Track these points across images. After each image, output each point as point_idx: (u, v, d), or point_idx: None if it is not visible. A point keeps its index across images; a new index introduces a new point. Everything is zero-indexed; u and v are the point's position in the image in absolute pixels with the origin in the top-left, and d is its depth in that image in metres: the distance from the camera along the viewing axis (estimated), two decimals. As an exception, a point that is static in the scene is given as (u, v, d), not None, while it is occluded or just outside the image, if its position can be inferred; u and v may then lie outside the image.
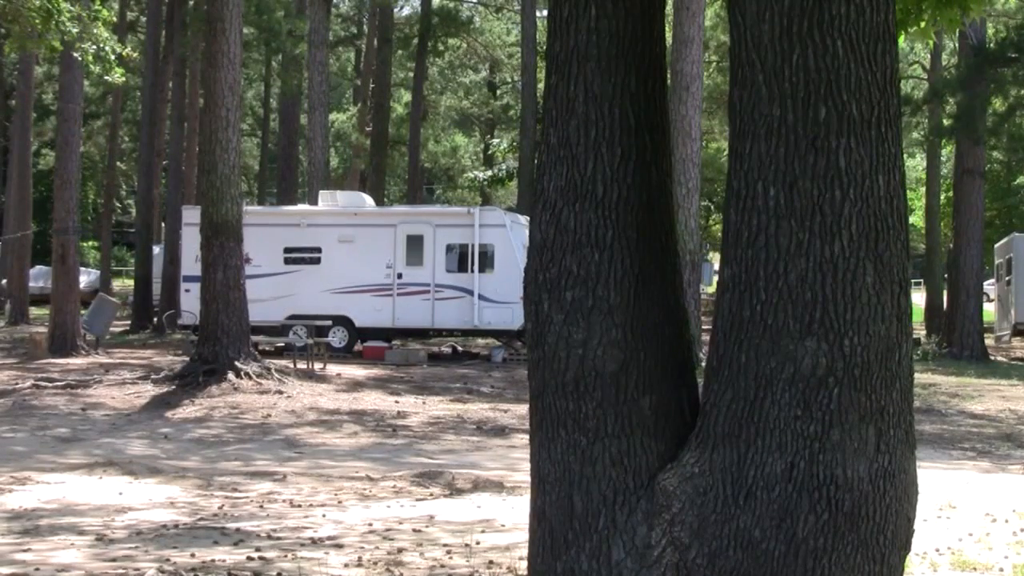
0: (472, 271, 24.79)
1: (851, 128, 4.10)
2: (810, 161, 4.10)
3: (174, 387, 18.09)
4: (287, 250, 25.76)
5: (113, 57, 19.79)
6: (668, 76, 4.94)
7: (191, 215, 25.59)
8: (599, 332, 4.37)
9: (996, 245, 36.08)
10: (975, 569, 7.41)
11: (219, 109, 19.24)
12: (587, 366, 4.36)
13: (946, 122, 31.23)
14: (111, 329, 28.57)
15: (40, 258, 42.55)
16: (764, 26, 4.13)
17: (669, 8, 16.32)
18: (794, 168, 4.11)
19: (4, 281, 37.18)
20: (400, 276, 25.15)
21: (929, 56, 39.33)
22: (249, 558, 7.54)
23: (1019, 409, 17.92)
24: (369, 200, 28.13)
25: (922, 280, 43.36)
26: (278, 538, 8.28)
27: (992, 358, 29.53)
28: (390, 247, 25.23)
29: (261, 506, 9.70)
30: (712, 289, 35.83)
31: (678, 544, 4.18)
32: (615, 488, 4.32)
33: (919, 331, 33.83)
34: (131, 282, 39.07)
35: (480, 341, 28.35)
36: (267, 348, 24.51)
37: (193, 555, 7.60)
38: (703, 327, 22.67)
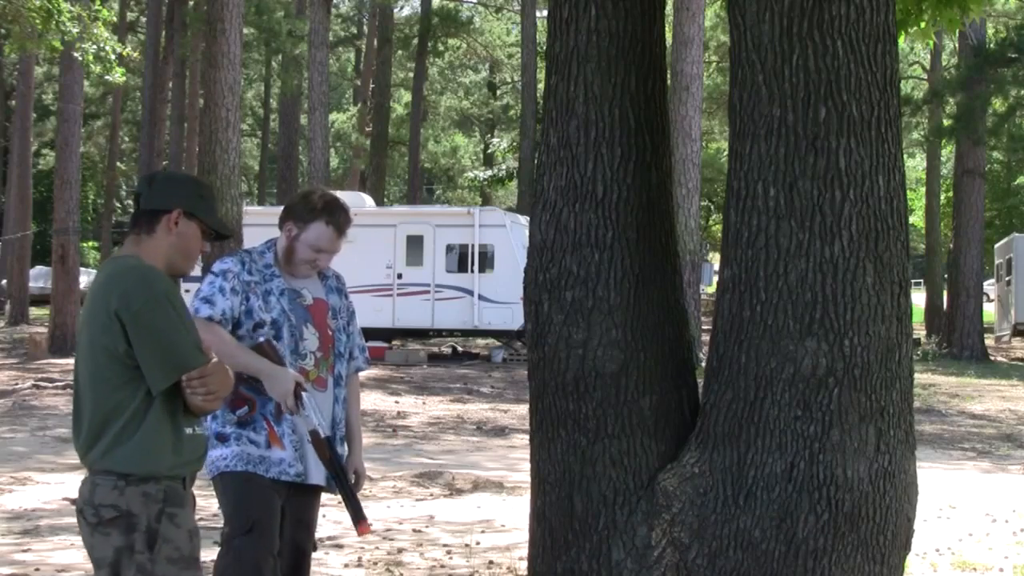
0: (472, 271, 24.77)
1: (851, 128, 4.10)
2: (810, 161, 4.10)
3: (174, 387, 18.04)
4: (287, 250, 25.74)
5: (113, 57, 19.79)
6: (668, 76, 4.94)
7: (191, 215, 25.53)
8: (599, 332, 4.36)
9: (996, 245, 36.08)
10: (975, 569, 7.40)
11: (219, 109, 19.25)
12: (587, 366, 4.36)
13: (946, 122, 31.23)
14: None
15: (40, 258, 42.54)
16: (764, 26, 4.13)
17: (669, 8, 16.27)
18: (794, 168, 4.11)
19: (4, 281, 37.18)
20: (400, 276, 25.14)
21: (929, 56, 39.31)
22: (249, 558, 7.53)
23: (1019, 409, 17.92)
24: (369, 200, 28.10)
25: (922, 280, 43.36)
26: (278, 538, 8.26)
27: (992, 358, 29.52)
28: (390, 247, 25.21)
29: (261, 506, 9.67)
30: (712, 289, 35.80)
31: (678, 544, 4.18)
32: (615, 488, 4.31)
33: (919, 331, 33.82)
34: (131, 282, 38.96)
35: (480, 341, 28.33)
36: (267, 348, 24.46)
37: (193, 555, 7.58)
38: (703, 327, 22.66)
